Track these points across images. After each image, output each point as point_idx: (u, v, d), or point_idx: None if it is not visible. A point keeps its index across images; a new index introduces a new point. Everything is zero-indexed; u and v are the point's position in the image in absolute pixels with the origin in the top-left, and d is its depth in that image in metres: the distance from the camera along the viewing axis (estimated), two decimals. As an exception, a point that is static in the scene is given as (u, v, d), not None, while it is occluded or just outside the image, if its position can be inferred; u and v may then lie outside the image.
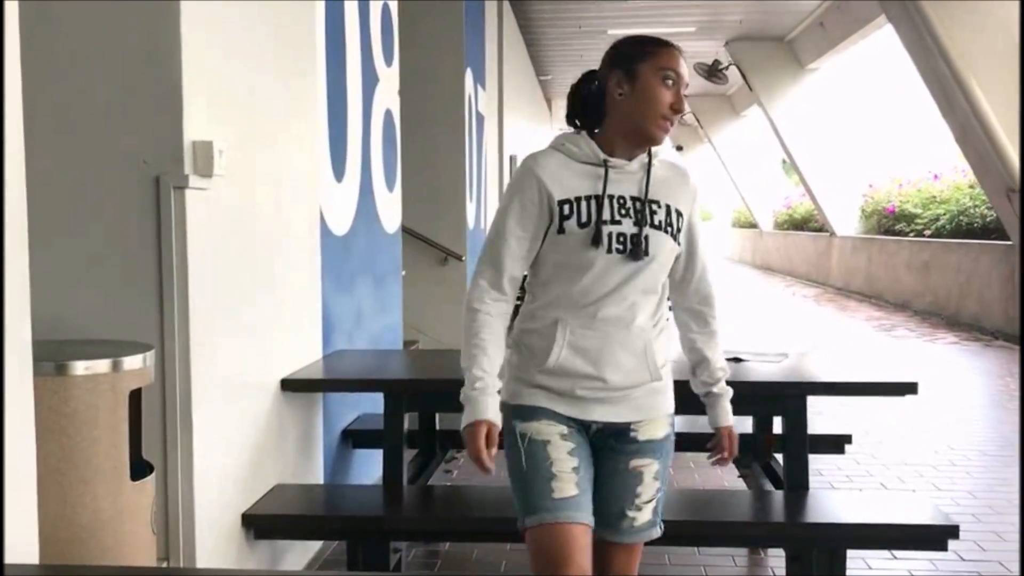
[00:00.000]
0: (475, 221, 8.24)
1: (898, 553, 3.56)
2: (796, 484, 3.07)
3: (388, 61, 4.73)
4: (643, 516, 2.08)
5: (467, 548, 3.72)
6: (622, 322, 2.02)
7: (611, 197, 2.00)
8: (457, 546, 3.74)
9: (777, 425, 3.47)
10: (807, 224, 19.75)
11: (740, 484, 4.15)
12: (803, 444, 3.08)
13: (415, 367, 3.86)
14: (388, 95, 4.72)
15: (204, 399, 2.53)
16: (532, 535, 1.96)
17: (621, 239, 1.98)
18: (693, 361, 2.29)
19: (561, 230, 1.99)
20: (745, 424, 3.77)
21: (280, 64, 3.21)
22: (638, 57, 2.03)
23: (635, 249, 1.98)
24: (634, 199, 2.02)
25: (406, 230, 6.96)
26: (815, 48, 15.90)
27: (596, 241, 1.96)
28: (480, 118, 8.57)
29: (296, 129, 3.37)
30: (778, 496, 3.15)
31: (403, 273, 5.09)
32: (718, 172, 26.87)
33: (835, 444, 3.75)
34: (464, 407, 1.96)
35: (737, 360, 3.45)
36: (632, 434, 2.08)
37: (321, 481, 3.62)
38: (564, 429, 2.02)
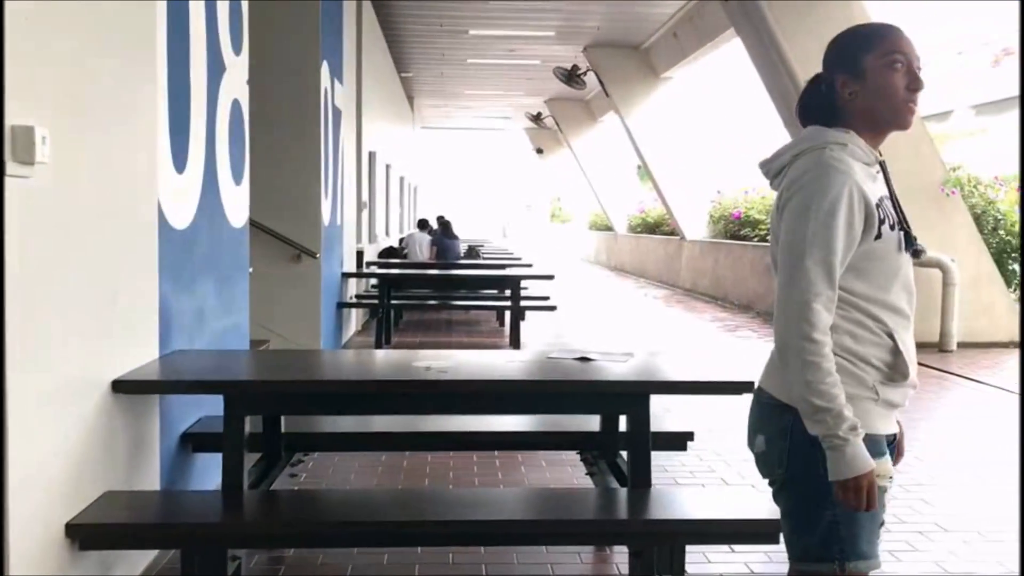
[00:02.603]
0: (331, 218, 8.08)
1: (736, 547, 3.68)
2: (640, 481, 3.13)
3: (237, 50, 4.56)
4: None
5: (312, 554, 3.63)
6: (912, 323, 2.03)
7: (887, 197, 2.00)
8: (302, 552, 3.64)
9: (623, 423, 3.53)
10: (659, 228, 20.37)
11: (588, 482, 4.20)
12: (646, 442, 3.14)
13: (260, 368, 3.73)
14: (236, 85, 4.56)
15: (21, 402, 2.36)
16: None
17: (905, 239, 1.99)
18: None
19: (879, 235, 1.92)
20: (592, 422, 3.83)
21: (115, 49, 3.03)
22: (861, 51, 1.98)
23: (917, 248, 2.00)
24: (887, 198, 2.01)
25: (257, 225, 6.76)
26: (669, 57, 16.41)
27: (908, 244, 1.98)
28: (337, 112, 8.41)
29: (132, 117, 3.19)
30: (622, 493, 3.21)
31: (251, 270, 4.92)
32: (576, 176, 27.36)
33: (678, 441, 3.84)
34: (841, 454, 1.82)
35: (584, 360, 3.49)
36: (895, 441, 2.09)
37: (157, 487, 3.45)
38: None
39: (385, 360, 4.04)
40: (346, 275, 9.14)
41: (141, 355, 3.29)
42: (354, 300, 9.77)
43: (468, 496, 3.62)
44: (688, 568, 3.42)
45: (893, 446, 2.07)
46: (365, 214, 11.26)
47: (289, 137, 7.35)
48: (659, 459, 4.87)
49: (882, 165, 2.01)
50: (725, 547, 3.69)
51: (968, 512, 4.28)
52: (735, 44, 12.59)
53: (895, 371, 1.96)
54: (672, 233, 18.72)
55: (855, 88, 1.98)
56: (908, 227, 2.02)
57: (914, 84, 1.97)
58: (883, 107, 1.98)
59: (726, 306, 14.19)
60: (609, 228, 25.28)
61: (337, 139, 8.42)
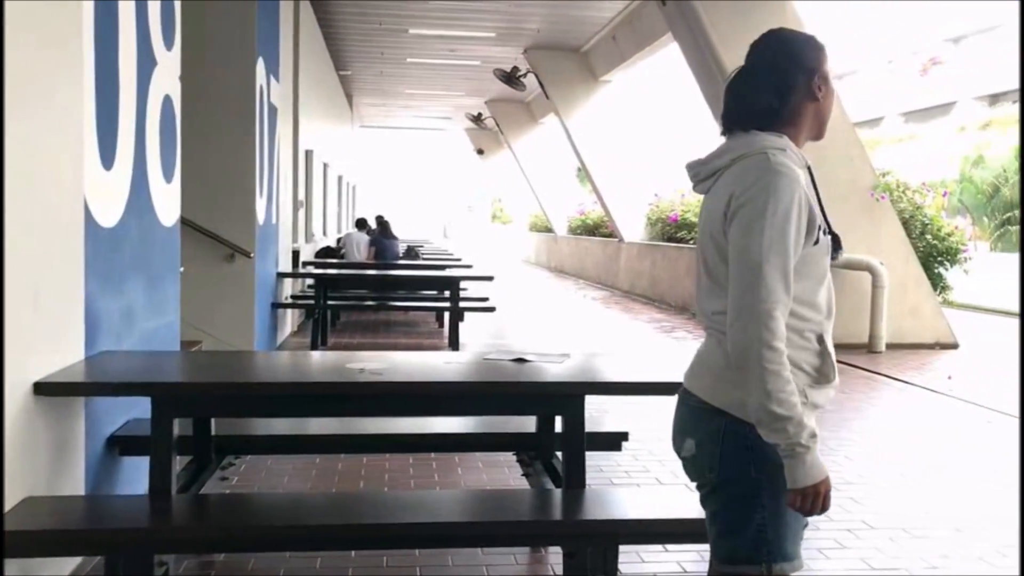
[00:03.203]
0: (266, 217, 7.96)
1: (669, 546, 3.72)
2: (574, 482, 3.14)
3: (168, 44, 4.46)
4: None
5: (243, 558, 3.57)
6: None
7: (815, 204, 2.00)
8: (232, 556, 3.58)
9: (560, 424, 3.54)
10: (598, 230, 20.52)
11: (525, 483, 4.21)
12: (580, 443, 3.16)
13: (190, 369, 3.65)
14: (167, 80, 4.46)
15: (-66, 405, 2.27)
16: None
17: (836, 243, 2.02)
18: None
19: (817, 240, 1.94)
20: (529, 423, 3.83)
21: (38, 42, 2.93)
22: (821, 60, 2.03)
23: (838, 251, 2.02)
24: (815, 202, 2.01)
25: (189, 224, 6.63)
26: (608, 60, 16.54)
27: (836, 248, 1.99)
28: (273, 110, 8.30)
29: (56, 112, 3.10)
30: (556, 494, 3.22)
31: (182, 269, 4.82)
32: (517, 177, 27.42)
33: (613, 441, 3.87)
34: (800, 462, 1.83)
35: (521, 361, 3.49)
36: None
37: (82, 492, 3.35)
38: None
39: (319, 362, 3.99)
40: (281, 275, 9.02)
41: (65, 356, 3.19)
42: (289, 300, 9.65)
43: (403, 498, 3.59)
44: (622, 568, 3.44)
45: None
46: (301, 213, 11.12)
47: (223, 134, 7.23)
48: (595, 459, 4.91)
49: (809, 170, 2.04)
50: (659, 547, 3.72)
51: (894, 510, 4.39)
52: (673, 48, 12.74)
53: (822, 374, 1.99)
54: (611, 235, 18.87)
55: (824, 91, 2.03)
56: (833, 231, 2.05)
57: (832, 96, 2.08)
58: (825, 116, 2.05)
59: (663, 307, 14.35)
60: (549, 230, 25.38)
61: (273, 137, 8.30)
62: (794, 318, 1.92)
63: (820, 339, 1.98)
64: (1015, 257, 23.40)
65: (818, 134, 2.08)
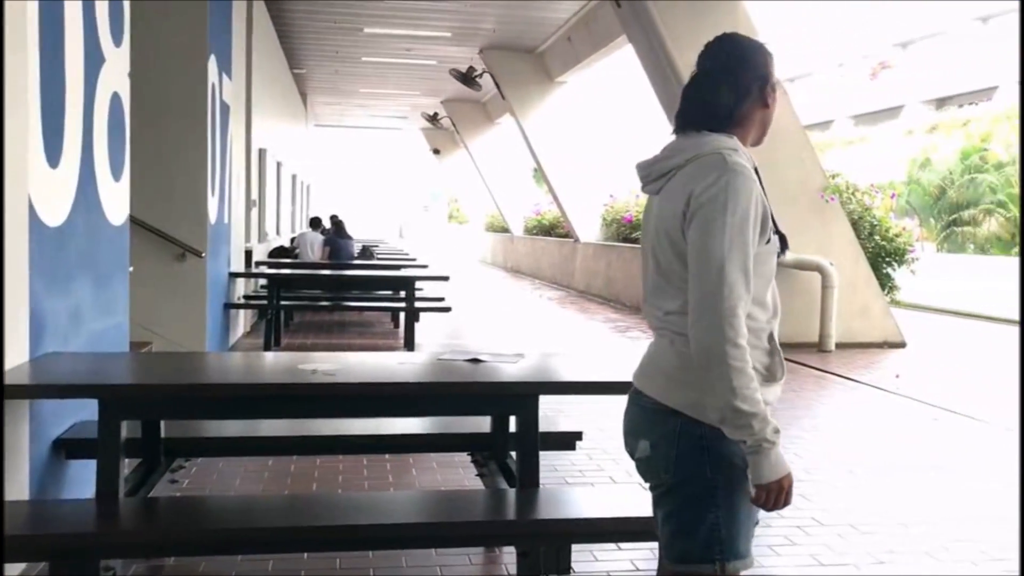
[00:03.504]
0: (218, 216, 7.87)
1: (623, 544, 3.74)
2: (528, 482, 3.15)
3: (117, 41, 4.38)
4: None
5: (194, 562, 3.52)
6: None
7: None
8: (182, 560, 3.53)
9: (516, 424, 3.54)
10: (554, 230, 20.58)
11: (480, 483, 4.21)
12: (534, 442, 3.16)
13: (139, 371, 3.60)
14: (116, 77, 4.38)
15: None
16: None
17: (784, 243, 2.05)
18: None
19: (769, 239, 1.97)
20: (484, 424, 3.83)
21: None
22: (771, 65, 2.09)
23: (784, 250, 2.06)
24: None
25: (139, 224, 6.53)
26: (563, 61, 16.59)
27: (784, 247, 2.03)
28: (225, 108, 8.20)
29: None
30: (510, 494, 3.22)
31: (131, 269, 4.74)
32: (473, 177, 27.40)
33: (567, 441, 3.88)
34: (765, 458, 1.85)
35: (475, 361, 3.49)
36: None
37: (26, 496, 3.28)
38: None
39: (271, 362, 3.95)
40: (234, 275, 8.91)
41: (10, 358, 3.12)
42: (242, 301, 9.53)
43: (356, 500, 3.57)
44: (576, 566, 3.46)
45: None
46: (254, 212, 11.00)
47: (174, 132, 7.13)
48: (550, 459, 4.92)
49: (756, 171, 2.06)
50: (612, 545, 3.74)
51: (843, 507, 4.46)
52: (628, 50, 12.82)
53: (771, 372, 2.02)
54: (567, 235, 18.94)
55: (773, 97, 2.08)
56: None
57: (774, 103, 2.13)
58: (769, 122, 2.10)
59: (618, 307, 14.43)
60: (506, 230, 25.40)
61: (225, 135, 8.20)
62: (747, 318, 1.93)
63: (770, 338, 2.02)
64: (961, 258, 23.93)
65: (759, 139, 2.12)
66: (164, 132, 7.02)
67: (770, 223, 1.98)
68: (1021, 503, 4.38)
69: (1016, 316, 13.38)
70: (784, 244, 2.06)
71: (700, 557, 1.98)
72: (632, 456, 2.12)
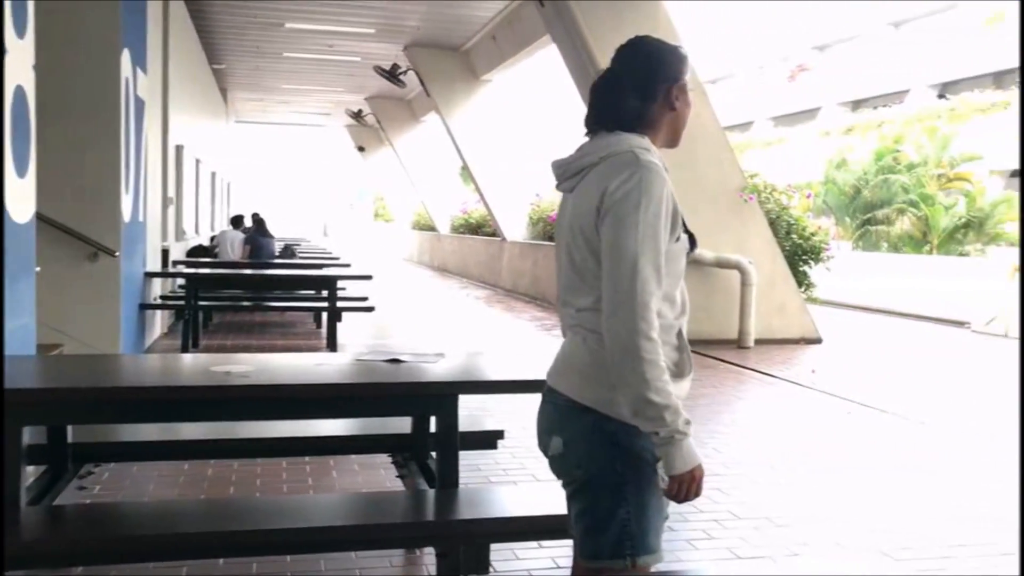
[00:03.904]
0: (133, 214, 7.65)
1: (544, 542, 3.75)
2: (448, 482, 3.13)
3: (20, 32, 4.21)
4: None
5: (104, 570, 3.41)
6: None
7: None
8: (92, 569, 3.41)
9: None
10: (481, 229, 20.57)
11: (400, 485, 4.17)
12: (454, 443, 3.15)
13: (44, 374, 3.47)
14: (19, 69, 4.21)
15: None
16: (645, 574, 2.00)
17: (692, 242, 2.07)
18: None
19: (678, 238, 2.00)
20: (405, 424, 3.80)
21: None
22: (682, 68, 2.10)
23: (692, 249, 2.08)
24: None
25: (49, 222, 6.31)
26: (488, 60, 16.59)
27: (693, 247, 2.05)
28: (140, 103, 7.97)
29: None
30: (430, 495, 3.20)
31: (38, 269, 4.57)
32: (399, 175, 27.22)
33: (489, 440, 3.87)
34: (676, 449, 1.87)
35: (395, 361, 3.46)
36: None
37: (-78, 507, 3.13)
38: None
39: (186, 364, 3.86)
40: (149, 275, 8.67)
41: (-98, 363, 2.97)
42: (158, 301, 9.29)
43: (274, 504, 3.51)
44: (497, 565, 3.46)
45: None
46: (171, 211, 10.74)
47: (86, 128, 6.90)
48: (473, 458, 4.92)
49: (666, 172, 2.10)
50: (533, 543, 3.75)
51: (760, 500, 4.55)
52: (552, 49, 12.87)
53: (679, 367, 2.04)
54: (494, 234, 18.95)
55: (682, 100, 2.10)
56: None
57: (689, 104, 2.15)
58: (682, 123, 2.12)
59: (544, 305, 14.49)
60: (432, 228, 25.30)
61: (140, 131, 7.98)
62: (657, 315, 1.95)
63: (679, 335, 2.04)
64: (875, 256, 24.66)
65: (672, 142, 2.15)
66: (75, 127, 6.79)
67: (680, 222, 2.01)
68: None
69: (931, 313, 13.86)
70: (693, 243, 2.08)
71: (611, 553, 1.99)
72: (546, 454, 2.13)
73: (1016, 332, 11.33)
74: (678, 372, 2.03)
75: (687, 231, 2.07)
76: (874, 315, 14.41)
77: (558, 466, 2.10)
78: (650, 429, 1.89)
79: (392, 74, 17.36)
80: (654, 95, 2.06)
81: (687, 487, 1.89)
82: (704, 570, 3.65)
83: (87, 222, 6.90)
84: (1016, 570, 3.67)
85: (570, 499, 2.09)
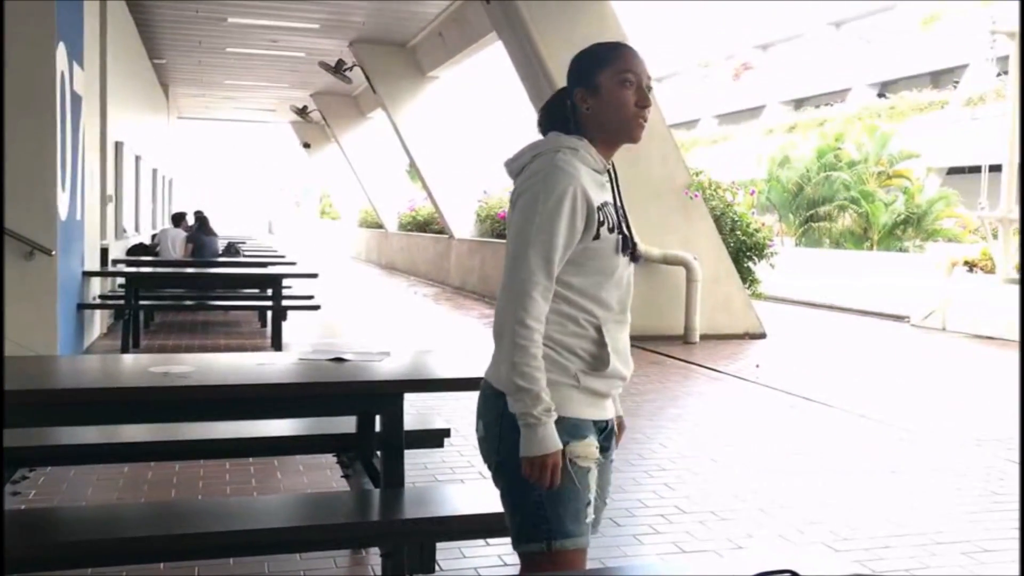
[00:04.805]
0: (70, 212, 7.47)
1: (490, 540, 3.74)
2: (392, 481, 3.11)
3: (-52, 24, 4.09)
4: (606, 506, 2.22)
5: (38, 578, 3.32)
6: (629, 322, 2.15)
7: (611, 203, 2.10)
8: (27, 577, 3.32)
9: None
10: (429, 226, 20.49)
11: (346, 485, 4.13)
12: (399, 442, 3.12)
13: (-25, 376, 3.36)
14: (-52, 63, 4.09)
15: None
16: (563, 557, 2.01)
17: (624, 242, 2.09)
18: None
19: (597, 236, 2.03)
20: (349, 424, 3.76)
21: None
22: (597, 68, 2.10)
23: (635, 252, 2.11)
24: (611, 204, 2.11)
25: (-20, 220, 6.13)
26: (435, 57, 16.52)
27: (624, 247, 2.07)
28: (77, 98, 7.79)
29: None
30: (375, 495, 3.17)
31: (-31, 268, 4.44)
32: (345, 172, 26.99)
33: (435, 439, 3.85)
34: (533, 433, 1.95)
35: (339, 360, 3.43)
36: (608, 428, 2.19)
37: None
38: (599, 453, 2.09)
39: (123, 365, 3.78)
40: (88, 274, 8.48)
41: None
42: (97, 301, 9.09)
43: (217, 506, 3.46)
44: (443, 563, 3.44)
45: (610, 432, 2.20)
46: (111, 208, 10.51)
47: (19, 123, 6.70)
48: (420, 457, 4.90)
49: (610, 173, 2.14)
50: (480, 541, 3.74)
51: (705, 494, 4.60)
52: (499, 46, 12.87)
53: (598, 361, 2.07)
54: (442, 232, 18.89)
55: (591, 102, 2.12)
56: (629, 232, 2.14)
57: (642, 101, 2.12)
58: (614, 120, 2.12)
59: (492, 303, 14.49)
60: (379, 226, 25.14)
61: (76, 127, 7.79)
62: (570, 306, 2.05)
63: (599, 330, 2.07)
64: (817, 252, 25.10)
65: (611, 139, 2.14)
66: (9, 122, 6.58)
67: (598, 220, 2.05)
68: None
69: (866, 307, 14.15)
70: (627, 245, 2.11)
71: (529, 536, 2.05)
72: (477, 437, 2.21)
73: (953, 326, 11.62)
74: (595, 365, 2.07)
75: (623, 233, 2.10)
76: (817, 310, 14.67)
77: (482, 449, 2.18)
78: (514, 411, 1.98)
79: (338, 70, 17.21)
80: (573, 97, 2.15)
81: (539, 471, 1.96)
82: (650, 567, 3.67)
83: (21, 220, 6.72)
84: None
85: (493, 481, 2.16)
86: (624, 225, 2.13)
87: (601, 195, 2.09)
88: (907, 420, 6.42)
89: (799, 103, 39.83)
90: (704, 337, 10.14)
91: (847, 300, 14.97)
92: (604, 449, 2.17)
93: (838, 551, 3.84)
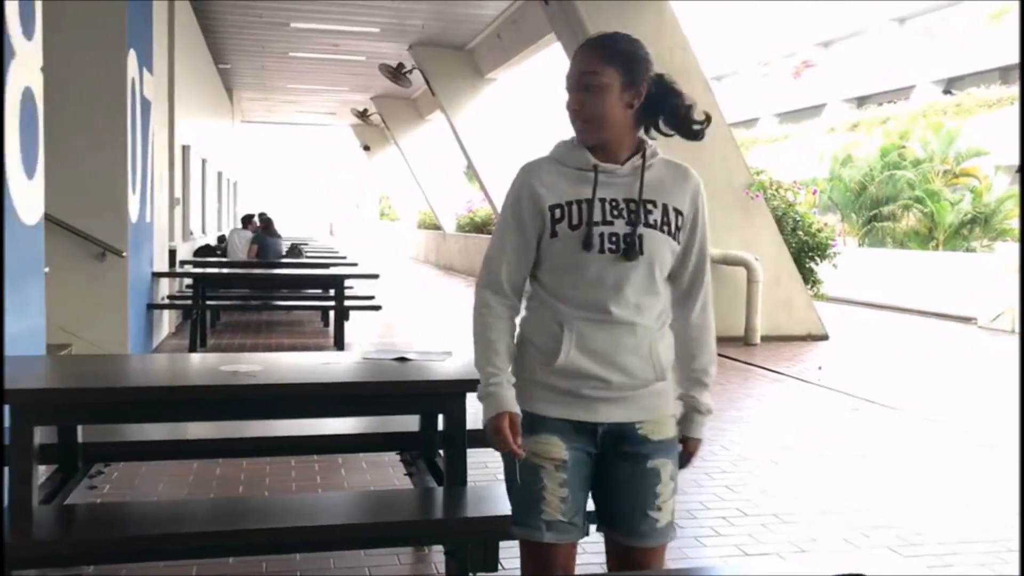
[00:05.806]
0: (140, 214, 7.68)
1: (551, 539, 3.75)
2: (455, 480, 3.14)
3: (28, 34, 4.24)
4: (664, 517, 2.12)
5: (115, 569, 3.43)
6: (628, 323, 2.06)
7: (602, 200, 2.05)
8: (103, 568, 3.44)
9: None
10: (487, 227, 20.57)
11: (409, 483, 4.18)
12: (462, 440, 3.16)
13: (54, 374, 3.49)
14: (28, 72, 4.24)
15: None
16: (526, 548, 2.14)
17: (613, 239, 2.03)
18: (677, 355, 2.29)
19: (554, 233, 2.07)
20: (413, 422, 3.81)
21: None
22: (571, 70, 2.17)
23: (628, 249, 2.03)
24: (627, 200, 2.07)
25: (57, 223, 6.35)
26: (493, 58, 16.59)
27: (587, 243, 2.02)
28: (146, 103, 8.00)
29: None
30: (438, 493, 3.21)
31: (47, 270, 4.60)
32: (404, 174, 27.23)
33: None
34: (483, 405, 2.08)
35: (402, 360, 3.47)
36: (641, 434, 2.12)
37: (-66, 507, 3.16)
38: (563, 454, 2.07)
39: (192, 364, 3.88)
40: (157, 275, 8.71)
41: (-86, 364, 2.99)
42: (166, 301, 9.33)
43: (284, 502, 3.53)
44: (505, 563, 3.46)
45: (616, 437, 2.12)
46: (178, 211, 10.77)
47: (93, 129, 6.93)
48: (482, 456, 4.92)
49: (596, 170, 2.09)
50: (542, 541, 3.75)
51: (767, 497, 4.55)
52: (557, 47, 12.88)
53: (550, 356, 2.07)
54: (498, 232, 18.92)
55: (570, 100, 2.19)
56: (633, 230, 2.05)
57: (569, 104, 2.16)
58: (573, 122, 2.18)
59: (550, 304, 14.49)
60: (438, 227, 25.30)
61: (146, 131, 8.01)
62: (540, 302, 2.14)
63: (560, 326, 2.07)
64: (881, 252, 24.60)
65: (582, 139, 2.14)
66: (82, 128, 6.82)
67: (552, 217, 2.07)
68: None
69: (942, 309, 13.84)
70: (590, 241, 2.03)
71: (512, 518, 2.17)
72: None
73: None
74: (549, 356, 2.07)
75: (588, 227, 2.04)
76: (881, 312, 14.38)
77: None
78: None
79: (397, 73, 17.37)
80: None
81: (491, 436, 2.06)
82: (713, 568, 3.66)
83: (95, 223, 6.94)
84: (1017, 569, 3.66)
85: None
86: (629, 223, 2.05)
87: (575, 192, 2.07)
88: (974, 423, 6.27)
89: (862, 101, 39.08)
90: (765, 338, 10.02)
91: (912, 301, 14.66)
92: (628, 454, 2.10)
93: (905, 556, 3.78)
